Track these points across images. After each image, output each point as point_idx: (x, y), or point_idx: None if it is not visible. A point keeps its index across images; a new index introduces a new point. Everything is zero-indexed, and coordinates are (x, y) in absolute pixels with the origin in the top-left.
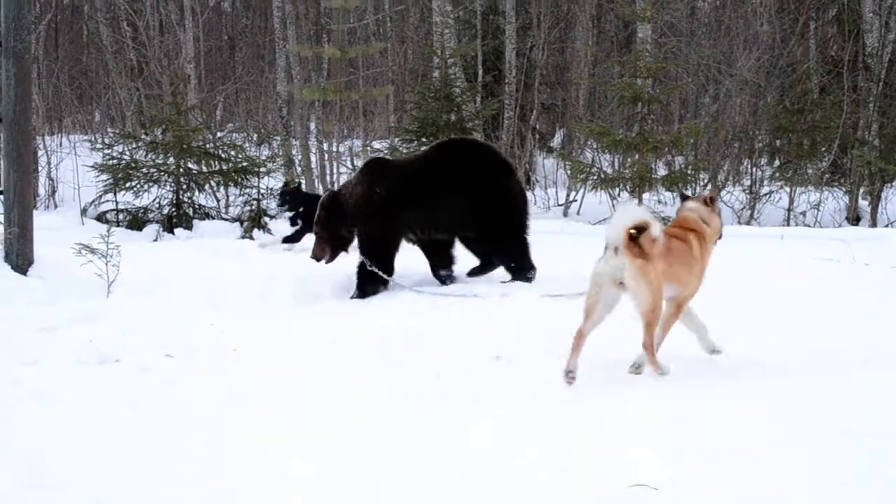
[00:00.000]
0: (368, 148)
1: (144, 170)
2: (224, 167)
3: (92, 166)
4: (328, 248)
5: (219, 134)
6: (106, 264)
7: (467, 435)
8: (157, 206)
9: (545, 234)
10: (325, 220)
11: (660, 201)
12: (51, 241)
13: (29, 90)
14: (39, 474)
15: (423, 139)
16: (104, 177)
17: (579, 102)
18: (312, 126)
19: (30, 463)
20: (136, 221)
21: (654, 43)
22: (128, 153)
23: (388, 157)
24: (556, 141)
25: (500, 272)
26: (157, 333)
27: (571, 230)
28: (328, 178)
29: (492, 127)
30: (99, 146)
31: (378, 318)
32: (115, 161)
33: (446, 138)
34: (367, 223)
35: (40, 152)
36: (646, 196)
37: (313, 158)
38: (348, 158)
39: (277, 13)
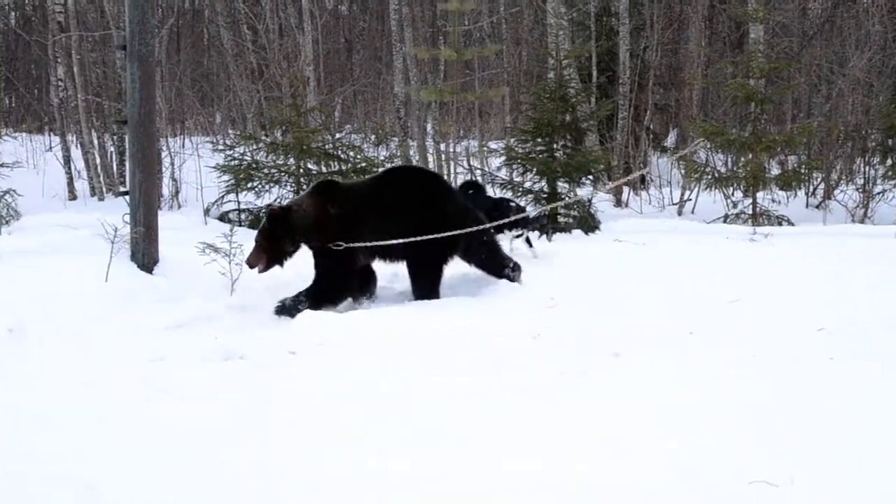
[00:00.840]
0: (485, 148)
1: (265, 170)
2: (343, 168)
3: (214, 167)
4: (264, 258)
5: (337, 135)
6: (229, 263)
7: (578, 434)
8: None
9: (660, 233)
10: (269, 232)
11: (773, 200)
12: (175, 241)
13: (153, 93)
14: (169, 469)
15: (539, 139)
16: (226, 177)
17: (692, 102)
18: (429, 127)
19: (159, 458)
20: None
21: (767, 43)
22: (249, 154)
23: (336, 179)
24: (670, 141)
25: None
26: (280, 331)
27: (686, 229)
28: (446, 178)
29: (606, 127)
30: (221, 147)
31: (489, 315)
32: (236, 162)
33: (393, 165)
34: (321, 240)
35: (164, 153)
36: (759, 195)
37: (430, 159)
38: (465, 159)
39: (395, 16)
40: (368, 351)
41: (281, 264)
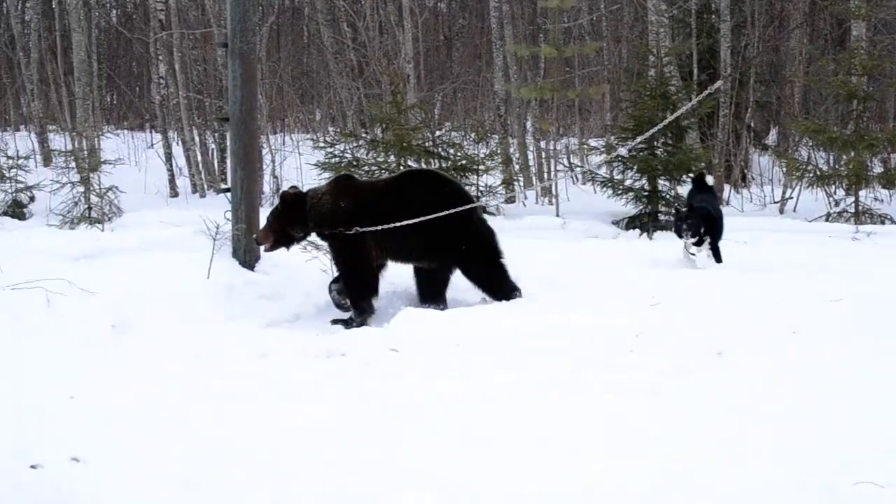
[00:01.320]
0: (585, 146)
1: (366, 167)
2: (443, 165)
3: (314, 164)
4: (272, 237)
5: (437, 132)
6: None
7: (685, 435)
8: None
9: (761, 231)
10: (280, 214)
11: (876, 199)
12: None
13: (254, 90)
14: (274, 464)
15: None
16: (326, 174)
17: (794, 100)
18: (529, 124)
19: (263, 453)
20: None
21: (869, 40)
22: (349, 151)
23: (355, 175)
24: (771, 138)
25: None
26: (382, 328)
27: (787, 227)
28: (545, 175)
29: (707, 125)
30: (321, 145)
31: (589, 314)
32: (336, 159)
33: (411, 168)
34: (333, 235)
35: (265, 151)
36: (862, 194)
37: (530, 156)
38: (565, 156)
39: (494, 13)
40: (469, 349)
41: (287, 247)
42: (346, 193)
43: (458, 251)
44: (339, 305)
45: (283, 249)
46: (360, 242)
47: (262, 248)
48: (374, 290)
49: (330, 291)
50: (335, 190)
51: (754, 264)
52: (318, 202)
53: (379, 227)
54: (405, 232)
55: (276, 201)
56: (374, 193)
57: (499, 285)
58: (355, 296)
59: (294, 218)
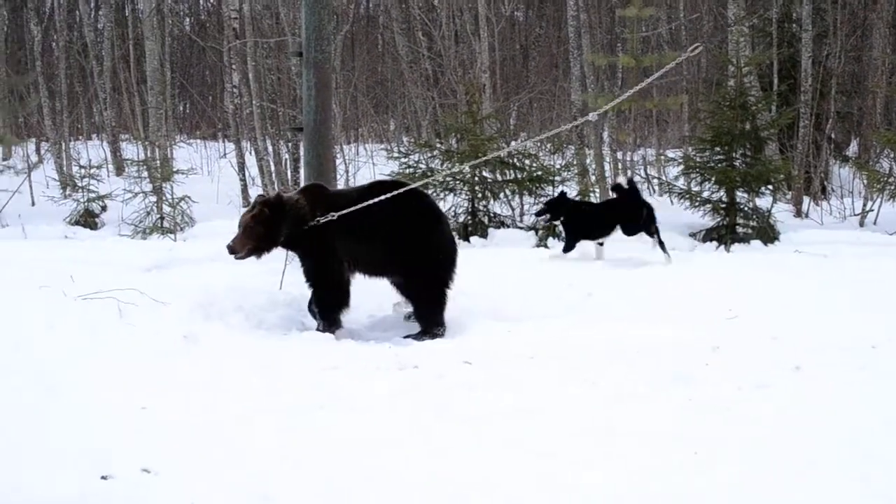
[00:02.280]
0: (662, 157)
1: (440, 178)
2: (519, 176)
3: (389, 174)
4: (249, 245)
5: (513, 143)
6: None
7: (761, 452)
8: (452, 213)
9: (841, 244)
10: (260, 216)
11: None
12: None
13: (329, 100)
14: (341, 478)
15: (718, 148)
16: None
17: (876, 111)
18: (605, 135)
19: (334, 466)
20: None
21: None
22: (423, 162)
23: (324, 185)
24: (852, 150)
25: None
26: (455, 341)
27: (867, 240)
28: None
29: (787, 136)
30: (395, 155)
31: (666, 326)
32: (411, 169)
33: (379, 179)
34: (304, 245)
35: (339, 160)
36: None
37: (607, 168)
38: (642, 167)
39: (572, 22)
40: (543, 362)
41: (259, 256)
42: (319, 200)
43: (408, 265)
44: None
45: (252, 259)
46: (328, 252)
47: (233, 256)
48: (343, 303)
49: (310, 306)
50: (309, 196)
51: (834, 277)
52: (292, 206)
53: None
54: (372, 244)
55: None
56: (345, 201)
57: (426, 313)
58: (324, 307)
59: (274, 222)
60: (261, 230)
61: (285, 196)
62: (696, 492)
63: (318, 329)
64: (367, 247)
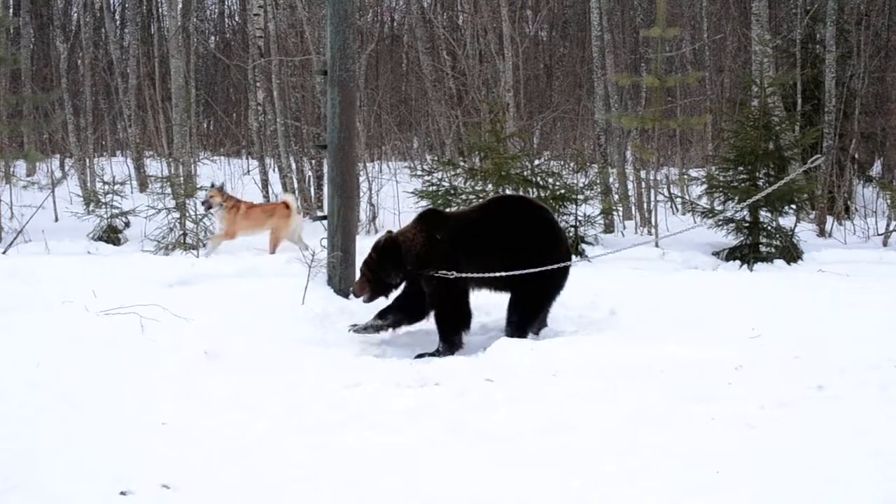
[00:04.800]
0: (686, 176)
1: (463, 196)
2: (542, 194)
3: (412, 192)
4: (368, 289)
5: (536, 161)
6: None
7: (790, 468)
8: None
9: (864, 263)
10: (375, 262)
11: None
12: None
13: (353, 118)
14: (362, 494)
15: (741, 167)
16: (424, 203)
17: None
18: (629, 154)
19: (352, 483)
20: None
21: None
22: (447, 180)
23: (440, 209)
24: (876, 170)
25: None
26: (477, 358)
27: (891, 260)
28: (644, 205)
29: (810, 156)
30: (419, 173)
31: (688, 345)
32: (434, 187)
33: (501, 194)
34: (431, 268)
35: (362, 178)
36: None
37: (630, 186)
38: (665, 186)
39: (596, 42)
40: (565, 379)
41: (386, 295)
42: (437, 227)
43: (527, 280)
44: (369, 329)
45: (381, 299)
46: (458, 279)
47: (360, 300)
48: (467, 326)
49: (374, 320)
50: (425, 226)
51: (857, 297)
52: (411, 243)
53: (476, 275)
54: (499, 261)
55: (373, 229)
56: (466, 223)
57: (521, 323)
58: (448, 330)
59: (390, 265)
60: (371, 275)
61: (398, 234)
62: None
63: (436, 353)
64: (491, 263)
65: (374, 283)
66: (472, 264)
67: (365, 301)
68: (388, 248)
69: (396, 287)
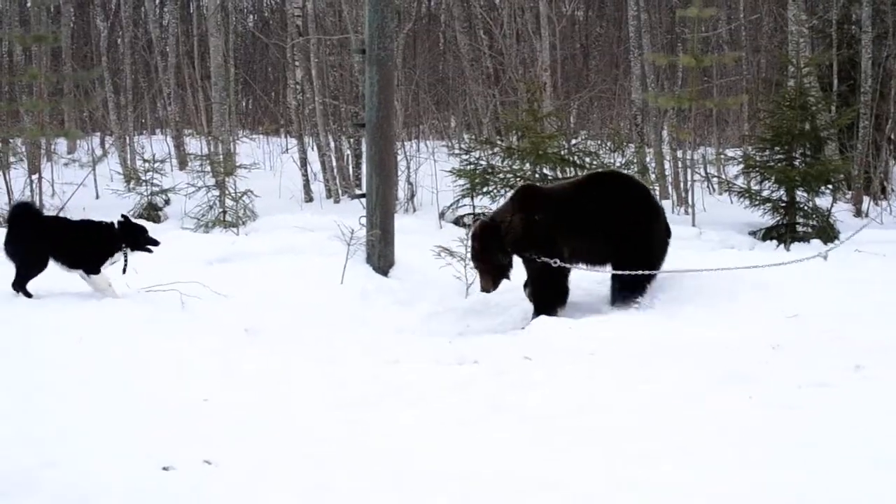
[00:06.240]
0: (722, 156)
1: (501, 175)
2: (579, 173)
3: (450, 171)
4: (490, 280)
5: (573, 140)
6: (464, 267)
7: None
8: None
9: None
10: (480, 252)
11: None
12: (410, 244)
13: (391, 97)
14: (401, 470)
15: (778, 147)
16: (461, 182)
17: None
18: (665, 134)
19: (391, 460)
20: None
21: None
22: (484, 158)
23: (538, 184)
24: None
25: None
26: (516, 336)
27: None
28: (681, 185)
29: (846, 136)
30: (456, 152)
31: (726, 325)
32: (472, 166)
33: (596, 171)
34: (534, 251)
35: (400, 157)
36: None
37: (667, 166)
38: (701, 166)
39: (633, 22)
40: (602, 359)
41: (507, 276)
42: (534, 207)
43: (629, 252)
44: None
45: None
46: (552, 254)
47: (491, 293)
48: (563, 304)
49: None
50: (523, 206)
51: (893, 276)
52: (509, 226)
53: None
54: (595, 236)
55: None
56: (565, 201)
57: (631, 292)
58: (544, 308)
59: (494, 249)
60: (483, 265)
61: (495, 215)
62: (758, 489)
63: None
64: (589, 239)
65: (493, 272)
66: (571, 242)
67: (492, 291)
68: (486, 235)
69: (511, 265)
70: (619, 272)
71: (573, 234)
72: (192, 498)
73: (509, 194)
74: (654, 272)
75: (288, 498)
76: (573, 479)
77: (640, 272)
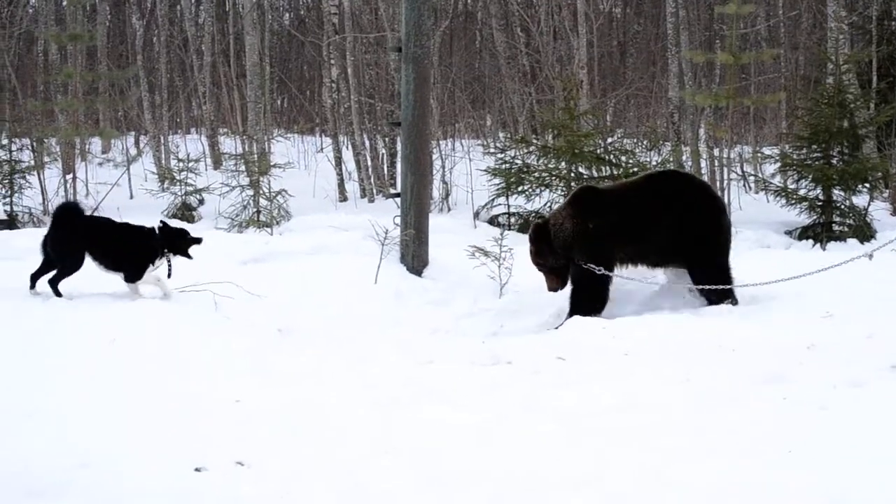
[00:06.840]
0: (759, 154)
1: (536, 174)
2: (615, 172)
3: (485, 170)
4: (554, 279)
5: (609, 139)
6: (499, 267)
7: (862, 448)
8: (548, 210)
9: None
10: (537, 254)
11: None
12: (444, 244)
13: (427, 95)
14: (435, 470)
15: (815, 146)
16: (496, 181)
17: None
18: (702, 132)
19: (425, 460)
20: (528, 225)
21: None
22: (520, 157)
23: (597, 186)
24: None
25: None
26: (550, 337)
27: None
28: (717, 184)
29: (885, 134)
30: (492, 150)
31: (761, 325)
32: (507, 165)
33: (653, 171)
34: (581, 256)
35: (435, 156)
36: None
37: (703, 164)
38: (738, 164)
39: (670, 19)
40: (636, 359)
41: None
42: (591, 212)
43: (696, 252)
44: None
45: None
46: (599, 260)
47: (558, 291)
48: (600, 311)
49: None
50: (578, 210)
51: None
52: (559, 229)
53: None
54: (657, 237)
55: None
56: (621, 203)
57: (720, 294)
58: (579, 311)
59: (547, 251)
60: (542, 268)
61: (550, 216)
62: (794, 490)
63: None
64: (653, 241)
65: (554, 272)
66: (630, 246)
67: (560, 290)
68: (538, 237)
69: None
70: (697, 286)
71: (633, 236)
72: (225, 499)
73: (569, 194)
74: (730, 286)
75: (322, 498)
76: (608, 478)
77: (715, 286)
